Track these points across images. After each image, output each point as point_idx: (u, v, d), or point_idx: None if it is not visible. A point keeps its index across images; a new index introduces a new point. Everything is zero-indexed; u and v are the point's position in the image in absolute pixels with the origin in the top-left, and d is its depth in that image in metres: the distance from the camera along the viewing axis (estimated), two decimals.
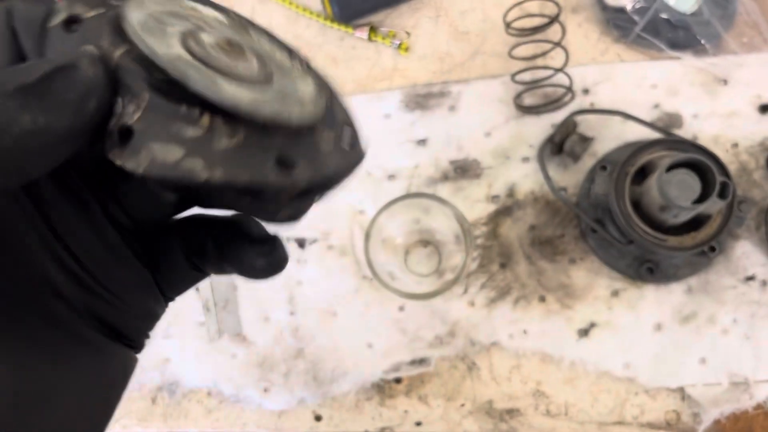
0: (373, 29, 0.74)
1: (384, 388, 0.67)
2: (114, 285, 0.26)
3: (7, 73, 0.19)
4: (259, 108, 0.22)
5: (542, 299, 0.66)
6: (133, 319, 0.27)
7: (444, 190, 0.69)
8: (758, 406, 0.62)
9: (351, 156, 0.26)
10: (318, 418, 0.67)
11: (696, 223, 0.62)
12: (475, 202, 0.69)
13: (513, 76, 0.69)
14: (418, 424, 0.66)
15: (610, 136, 0.68)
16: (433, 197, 0.67)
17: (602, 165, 0.67)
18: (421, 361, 0.66)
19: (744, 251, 0.65)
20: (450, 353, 0.66)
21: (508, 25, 0.69)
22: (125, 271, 0.27)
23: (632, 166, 0.64)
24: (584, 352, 0.65)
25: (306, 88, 0.26)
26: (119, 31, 0.21)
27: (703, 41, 0.69)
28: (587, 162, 0.68)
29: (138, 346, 0.28)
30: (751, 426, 0.62)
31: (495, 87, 0.71)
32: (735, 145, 0.67)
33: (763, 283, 0.64)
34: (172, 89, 0.21)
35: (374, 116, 0.72)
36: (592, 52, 0.71)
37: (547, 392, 0.64)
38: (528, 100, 0.70)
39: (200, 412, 0.69)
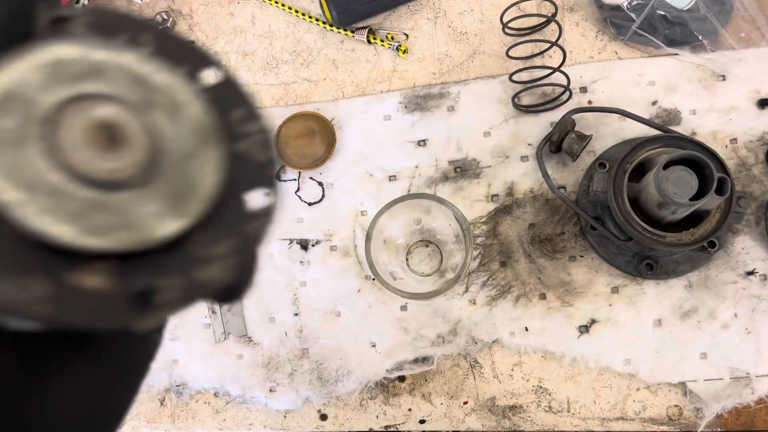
0: (372, 32, 0.75)
1: (388, 387, 0.68)
2: None
3: None
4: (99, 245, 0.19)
5: (543, 297, 0.67)
6: None
7: (444, 190, 0.70)
8: (760, 401, 0.62)
9: (253, 228, 0.23)
10: (323, 417, 0.68)
11: (695, 219, 0.63)
12: (474, 202, 0.69)
13: (511, 75, 0.70)
14: (422, 421, 0.66)
15: (608, 134, 0.69)
16: (433, 197, 0.68)
17: (600, 162, 0.67)
18: (424, 360, 0.67)
19: (744, 246, 0.65)
20: (452, 351, 0.67)
21: (505, 25, 0.69)
22: None
23: (630, 164, 0.64)
24: (585, 348, 0.65)
25: (205, 171, 0.22)
26: None
27: (700, 37, 0.69)
28: (586, 160, 0.69)
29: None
30: (753, 420, 0.62)
31: (493, 87, 0.72)
32: (734, 140, 0.68)
33: (764, 277, 0.64)
34: None
35: (374, 118, 0.73)
36: (590, 51, 0.71)
37: (549, 389, 0.65)
38: (526, 99, 0.71)
39: (208, 412, 0.70)
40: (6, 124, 0.19)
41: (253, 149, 0.25)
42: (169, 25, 0.82)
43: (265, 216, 0.24)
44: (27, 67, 0.20)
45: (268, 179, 0.25)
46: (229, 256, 0.22)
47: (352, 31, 0.76)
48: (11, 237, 0.19)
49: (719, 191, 0.58)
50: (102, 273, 0.20)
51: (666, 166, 0.60)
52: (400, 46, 0.74)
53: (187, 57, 0.25)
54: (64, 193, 0.19)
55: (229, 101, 0.25)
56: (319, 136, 0.72)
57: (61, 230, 0.19)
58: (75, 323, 0.19)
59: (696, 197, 0.60)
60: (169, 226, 0.21)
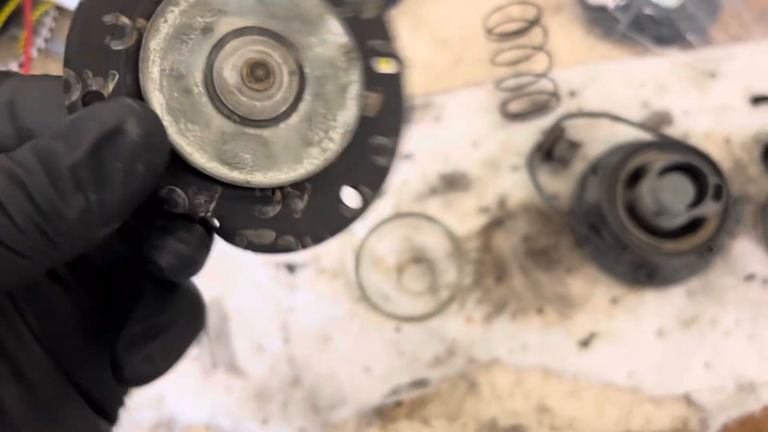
0: None
1: (385, 413, 0.65)
2: (85, 362, 0.25)
3: (57, 146, 0.19)
4: (309, 170, 0.24)
5: (540, 311, 0.65)
6: (106, 387, 0.26)
7: (433, 205, 0.68)
8: (765, 408, 0.61)
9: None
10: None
11: (692, 225, 0.61)
12: (465, 215, 0.67)
13: (497, 83, 0.68)
14: None
15: (599, 139, 0.67)
16: (421, 216, 0.65)
17: (593, 170, 0.66)
18: (421, 383, 0.65)
19: (742, 250, 0.63)
20: (450, 372, 0.65)
21: (489, 32, 0.67)
22: (94, 349, 0.26)
23: (623, 171, 0.62)
24: (586, 363, 0.63)
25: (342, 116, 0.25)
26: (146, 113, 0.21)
27: (688, 35, 0.67)
28: (578, 167, 0.67)
29: (113, 418, 0.27)
30: (759, 428, 0.61)
31: (479, 95, 0.69)
32: (727, 140, 0.66)
33: (764, 281, 0.63)
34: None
35: None
36: (577, 54, 0.69)
37: (551, 407, 0.63)
38: (514, 107, 0.69)
39: None
40: (198, 23, 0.23)
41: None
42: None
43: (390, 151, 0.26)
44: (160, 72, 0.23)
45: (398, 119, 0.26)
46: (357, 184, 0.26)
47: None
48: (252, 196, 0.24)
49: (716, 197, 0.57)
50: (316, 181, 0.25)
51: (661, 174, 0.58)
52: None
53: None
54: (243, 132, 0.24)
55: None
56: None
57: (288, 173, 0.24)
58: (325, 238, 0.25)
59: (693, 204, 0.58)
60: (334, 143, 0.25)
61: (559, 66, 0.67)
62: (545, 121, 0.67)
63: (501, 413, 0.64)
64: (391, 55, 0.26)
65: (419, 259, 0.68)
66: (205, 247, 0.24)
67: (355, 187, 0.25)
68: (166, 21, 0.23)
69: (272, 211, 0.24)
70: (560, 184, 0.67)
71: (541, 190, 0.65)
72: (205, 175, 0.23)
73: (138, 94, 0.22)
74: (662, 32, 0.67)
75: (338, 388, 0.66)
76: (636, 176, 0.62)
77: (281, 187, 0.24)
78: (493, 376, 0.64)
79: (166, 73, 0.22)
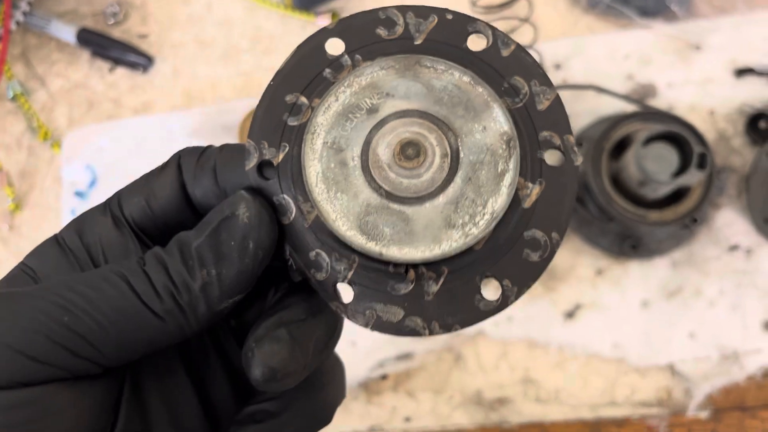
0: (335, 15, 0.72)
1: (370, 386, 0.65)
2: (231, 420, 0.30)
3: (191, 235, 0.25)
4: (448, 250, 0.24)
5: None
6: None
7: None
8: (749, 377, 0.61)
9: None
10: None
11: (676, 195, 0.61)
12: None
13: None
14: (408, 419, 0.64)
15: (584, 112, 0.67)
16: None
17: (578, 141, 0.65)
18: (407, 356, 0.65)
19: (726, 221, 0.64)
20: (435, 346, 0.65)
21: (474, 3, 0.66)
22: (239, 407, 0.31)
23: (608, 142, 0.62)
24: (571, 334, 0.63)
25: (495, 200, 0.24)
26: (306, 189, 0.24)
27: (672, 6, 0.67)
28: None
29: None
30: (743, 398, 0.61)
31: None
32: (712, 112, 0.66)
33: (747, 251, 0.63)
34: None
35: None
36: (562, 26, 0.69)
37: (536, 378, 0.63)
38: None
39: None
40: (365, 104, 0.25)
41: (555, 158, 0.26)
42: (121, 17, 0.78)
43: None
44: (320, 151, 0.24)
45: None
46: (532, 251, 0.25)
47: (315, 15, 0.72)
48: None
49: (700, 166, 0.57)
50: (453, 266, 0.25)
51: (645, 143, 0.58)
52: None
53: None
54: (387, 208, 0.24)
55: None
56: None
57: (429, 251, 0.24)
58: (454, 327, 0.25)
59: (677, 173, 0.58)
60: (477, 228, 0.24)
61: (544, 38, 0.67)
62: None
63: (486, 385, 0.64)
64: (558, 148, 0.25)
65: None
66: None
67: (497, 279, 0.25)
68: (337, 100, 0.25)
69: (404, 289, 0.24)
70: None
71: None
72: (345, 244, 0.24)
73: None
74: (647, 4, 0.67)
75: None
76: (621, 147, 0.62)
77: (416, 267, 0.24)
78: (479, 348, 0.64)
79: (327, 146, 0.24)
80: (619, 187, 0.61)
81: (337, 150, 0.24)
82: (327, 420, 0.31)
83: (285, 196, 0.25)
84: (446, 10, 0.26)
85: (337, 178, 0.24)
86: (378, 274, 0.24)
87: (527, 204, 0.25)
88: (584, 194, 0.63)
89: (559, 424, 0.63)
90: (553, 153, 0.25)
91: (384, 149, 0.24)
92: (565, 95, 0.66)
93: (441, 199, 0.24)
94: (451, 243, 0.24)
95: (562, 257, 0.65)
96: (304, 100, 0.25)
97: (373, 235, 0.24)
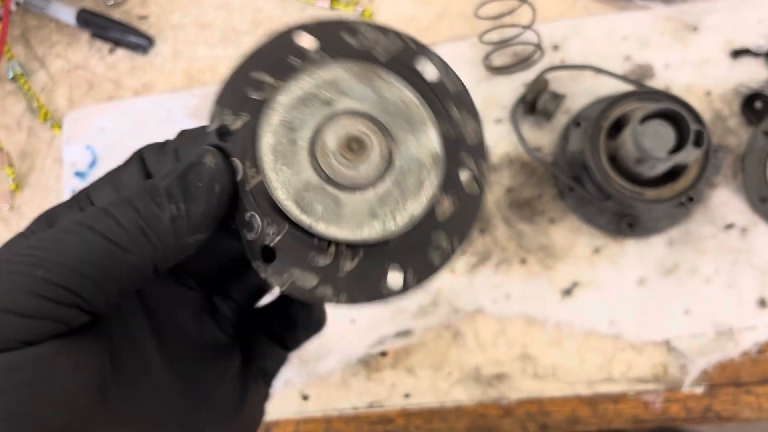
0: (335, 0, 0.72)
1: (370, 363, 0.66)
2: (206, 377, 0.32)
3: (158, 178, 0.27)
4: (370, 236, 0.26)
5: (523, 261, 0.65)
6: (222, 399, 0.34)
7: None
8: (744, 353, 0.62)
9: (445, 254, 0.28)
10: (305, 398, 0.66)
11: (673, 174, 0.62)
12: None
13: (481, 36, 0.68)
14: (407, 395, 0.65)
15: (582, 92, 0.67)
16: None
17: (576, 122, 0.66)
18: (406, 333, 0.65)
19: (722, 200, 0.64)
20: (434, 323, 0.65)
21: None
22: (220, 361, 0.34)
23: (606, 121, 0.63)
24: (569, 312, 0.64)
25: (424, 191, 0.27)
26: (256, 156, 0.27)
27: None
28: (561, 120, 0.67)
29: None
30: (737, 374, 0.62)
31: (463, 49, 0.69)
32: (708, 93, 0.67)
33: (743, 230, 0.64)
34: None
35: None
36: (560, 7, 0.69)
37: (534, 355, 0.64)
38: (497, 60, 0.69)
39: None
40: (323, 96, 0.27)
41: (467, 180, 0.29)
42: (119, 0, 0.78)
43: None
44: (276, 125, 0.27)
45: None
46: (443, 241, 0.28)
47: None
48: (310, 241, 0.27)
49: (696, 143, 0.57)
50: (369, 250, 0.28)
51: (642, 121, 0.58)
52: (364, 10, 0.71)
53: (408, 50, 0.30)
54: (324, 189, 0.27)
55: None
56: None
57: (338, 228, 0.26)
58: (358, 301, 0.27)
59: (674, 151, 0.59)
60: (396, 224, 0.27)
61: (542, 19, 0.67)
62: (529, 75, 0.68)
63: (485, 362, 0.64)
64: (475, 178, 0.29)
65: None
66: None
67: (402, 270, 0.28)
68: (299, 85, 0.27)
69: (323, 261, 0.27)
70: (543, 137, 0.67)
71: (524, 143, 0.65)
72: (280, 211, 0.26)
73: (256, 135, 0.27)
74: None
75: (324, 339, 0.66)
76: (618, 126, 0.63)
77: (337, 245, 0.27)
78: (477, 325, 0.65)
79: (283, 123, 0.27)
80: (617, 166, 0.62)
81: (290, 129, 0.27)
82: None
83: (235, 159, 0.27)
84: (414, 40, 0.30)
85: (285, 153, 0.27)
86: (302, 245, 0.27)
87: (440, 215, 0.28)
88: (582, 173, 0.64)
89: (556, 400, 0.63)
90: (469, 178, 0.29)
91: (332, 139, 0.27)
92: (563, 76, 0.67)
93: (371, 193, 0.27)
94: (371, 231, 0.27)
95: (561, 236, 0.65)
96: (269, 79, 0.28)
97: (306, 209, 0.26)
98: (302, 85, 0.27)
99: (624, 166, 0.62)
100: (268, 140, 0.26)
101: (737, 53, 0.67)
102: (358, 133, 0.27)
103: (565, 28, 0.68)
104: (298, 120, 0.27)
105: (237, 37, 0.74)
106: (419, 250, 0.28)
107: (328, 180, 0.27)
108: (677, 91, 0.66)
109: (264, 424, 0.66)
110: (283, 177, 0.26)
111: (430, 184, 0.27)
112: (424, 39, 0.73)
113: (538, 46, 0.67)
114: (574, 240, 0.65)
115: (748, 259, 0.63)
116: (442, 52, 0.72)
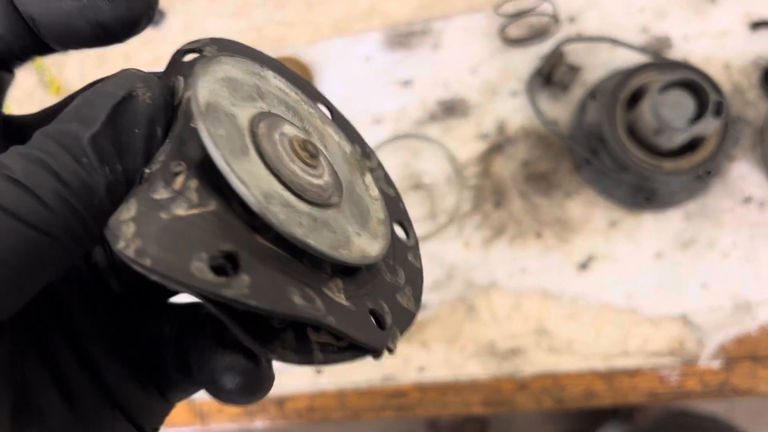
0: None
1: None
2: (124, 377, 0.23)
3: (71, 126, 0.18)
4: (270, 206, 0.19)
5: (539, 235, 0.65)
6: (144, 403, 0.24)
7: (432, 131, 0.67)
8: (761, 327, 0.61)
9: (405, 317, 0.23)
10: (319, 371, 0.66)
11: (691, 145, 0.61)
12: (465, 142, 0.67)
13: (496, 8, 0.67)
14: (421, 369, 0.65)
15: (599, 64, 0.66)
16: (421, 137, 0.65)
17: (593, 94, 0.65)
18: (420, 307, 0.65)
19: (740, 173, 0.64)
20: (448, 297, 0.65)
21: None
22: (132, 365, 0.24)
23: (623, 92, 0.62)
24: (584, 285, 0.64)
25: (369, 248, 0.22)
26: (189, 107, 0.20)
27: None
28: (577, 92, 0.66)
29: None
30: (755, 348, 0.61)
31: (478, 21, 0.68)
32: (727, 65, 0.66)
33: (761, 203, 0.63)
34: (182, 135, 0.19)
35: (354, 59, 0.69)
36: None
37: (549, 329, 0.64)
38: (513, 32, 0.68)
39: None
40: (220, 131, 0.19)
41: (382, 185, 0.25)
42: None
43: (416, 249, 0.25)
44: (213, 81, 0.20)
45: (404, 213, 0.26)
46: (406, 286, 0.23)
47: None
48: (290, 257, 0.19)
49: (716, 114, 0.56)
50: (340, 290, 0.20)
51: (662, 91, 0.58)
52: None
53: (307, 91, 0.25)
54: (293, 206, 0.20)
55: (349, 136, 0.26)
56: None
57: (314, 242, 0.19)
58: (349, 335, 0.19)
59: (693, 120, 0.58)
60: (373, 246, 0.22)
61: None
62: (545, 47, 0.67)
63: (499, 336, 0.64)
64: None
65: (418, 185, 0.67)
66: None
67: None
68: (222, 67, 0.21)
69: (159, 193, 0.18)
70: (560, 110, 0.67)
71: (540, 115, 0.65)
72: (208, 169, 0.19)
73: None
74: None
75: None
76: (635, 98, 0.62)
77: (189, 176, 0.19)
78: (492, 299, 0.64)
79: (224, 83, 0.21)
80: (634, 138, 0.61)
81: (230, 92, 0.21)
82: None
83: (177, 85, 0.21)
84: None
85: (216, 113, 0.20)
86: (159, 170, 0.19)
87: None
88: (599, 146, 0.63)
89: (571, 374, 0.63)
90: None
91: (280, 135, 0.21)
92: (579, 48, 0.66)
93: (331, 211, 0.22)
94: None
95: (577, 209, 0.65)
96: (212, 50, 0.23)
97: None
98: (227, 69, 0.21)
99: (641, 138, 0.61)
100: (203, 95, 0.20)
101: (756, 25, 0.66)
102: (305, 136, 0.21)
103: (581, 0, 0.67)
104: (231, 98, 0.21)
105: (249, 9, 0.74)
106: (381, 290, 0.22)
107: (269, 167, 0.20)
108: (695, 63, 0.65)
109: (278, 397, 0.66)
110: (208, 131, 0.19)
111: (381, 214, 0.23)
112: (439, 10, 0.72)
113: (555, 18, 0.66)
114: (590, 213, 0.65)
115: (766, 232, 0.62)
116: (456, 23, 0.71)
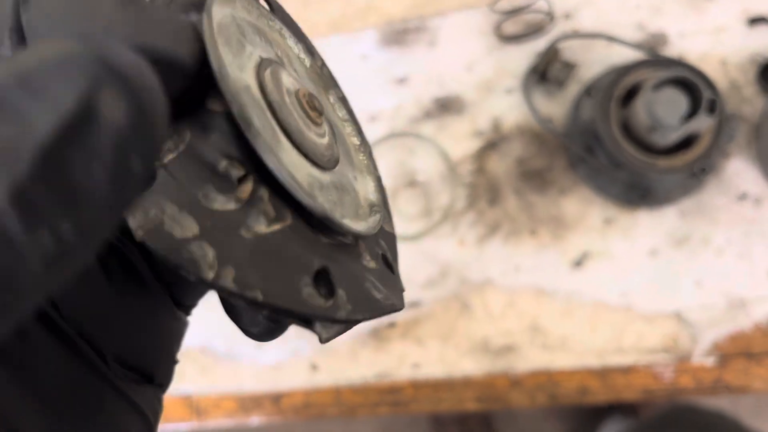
0: None
1: (379, 334, 0.66)
2: (130, 312, 0.21)
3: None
4: (318, 198, 0.17)
5: (533, 233, 0.65)
6: (154, 354, 0.22)
7: (427, 129, 0.67)
8: (755, 325, 0.61)
9: (394, 295, 0.21)
10: (314, 368, 0.67)
11: (686, 143, 0.61)
12: (459, 139, 0.67)
13: (492, 5, 0.67)
14: (416, 366, 0.65)
15: (594, 61, 0.66)
16: (416, 136, 0.65)
17: (588, 91, 0.65)
18: (414, 304, 0.65)
19: (735, 169, 0.63)
20: (443, 294, 0.65)
21: None
22: (142, 294, 0.21)
23: (618, 89, 0.62)
24: (579, 283, 0.64)
25: (367, 189, 0.21)
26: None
27: None
28: (573, 89, 0.66)
29: (165, 383, 0.24)
30: (748, 345, 0.61)
31: (474, 18, 0.68)
32: (723, 61, 0.65)
33: (756, 200, 0.63)
34: (221, 127, 0.16)
35: (351, 57, 0.69)
36: None
37: (543, 326, 0.64)
38: (509, 29, 0.68)
39: (195, 370, 0.68)
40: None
41: (335, 90, 0.24)
42: None
43: (367, 147, 0.24)
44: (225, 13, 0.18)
45: (351, 114, 0.25)
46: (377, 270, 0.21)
47: None
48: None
49: (710, 111, 0.56)
50: (365, 251, 0.20)
51: (655, 88, 0.58)
52: None
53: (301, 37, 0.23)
54: (323, 184, 0.18)
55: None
56: None
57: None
58: (249, 294, 0.16)
59: (687, 118, 0.58)
60: (368, 187, 0.21)
61: None
62: (540, 44, 0.67)
63: (494, 333, 0.64)
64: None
65: (413, 182, 0.68)
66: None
67: (329, 279, 0.18)
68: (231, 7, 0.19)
69: (221, 203, 0.16)
70: (555, 107, 0.66)
71: (535, 112, 0.65)
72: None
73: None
74: None
75: None
76: (630, 95, 0.62)
77: (258, 182, 0.16)
78: (486, 297, 0.65)
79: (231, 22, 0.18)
80: (629, 135, 0.61)
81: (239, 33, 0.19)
82: None
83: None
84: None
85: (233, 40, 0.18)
86: (202, 170, 0.16)
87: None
88: (594, 143, 0.63)
89: (565, 371, 0.63)
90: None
91: (288, 83, 0.19)
92: (575, 45, 0.66)
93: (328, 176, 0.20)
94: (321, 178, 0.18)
95: (572, 207, 0.65)
96: None
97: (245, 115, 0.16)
98: (237, 12, 0.19)
99: (636, 136, 0.61)
100: (219, 13, 0.17)
101: (754, 21, 0.66)
102: (312, 90, 0.19)
103: None
104: (251, 35, 0.19)
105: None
106: (359, 272, 0.19)
107: (274, 113, 0.18)
108: (692, 59, 0.65)
109: (274, 393, 0.67)
110: (224, 56, 0.16)
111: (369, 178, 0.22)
112: (434, 7, 0.72)
113: (550, 15, 0.66)
114: (585, 211, 0.65)
115: (761, 229, 0.62)
116: (452, 21, 0.71)
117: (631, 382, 0.63)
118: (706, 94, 0.56)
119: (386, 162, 0.67)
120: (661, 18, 0.66)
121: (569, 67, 0.65)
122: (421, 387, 0.65)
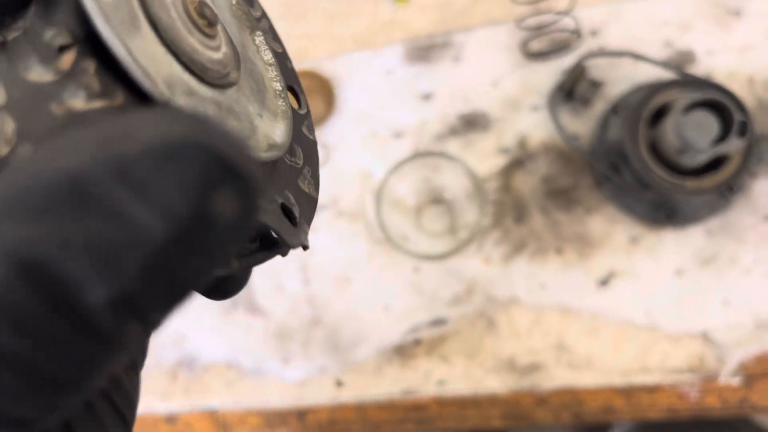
0: None
1: (404, 350, 0.66)
2: None
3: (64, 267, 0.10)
4: (176, 96, 0.15)
5: (559, 251, 0.65)
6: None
7: (453, 146, 0.67)
8: None
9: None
10: (340, 384, 0.67)
11: (714, 164, 0.61)
12: (485, 156, 0.67)
13: (518, 22, 0.66)
14: (441, 383, 0.65)
15: (621, 79, 0.66)
16: (441, 155, 0.65)
17: (614, 109, 0.65)
18: (440, 321, 0.66)
19: (763, 189, 0.63)
20: (468, 311, 0.65)
21: None
22: None
23: (646, 109, 0.61)
24: (604, 302, 0.64)
25: (274, 130, 0.20)
26: None
27: None
28: (599, 107, 0.66)
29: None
30: None
31: (499, 34, 0.68)
32: (751, 79, 0.65)
33: None
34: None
35: (376, 73, 0.69)
36: None
37: (569, 345, 0.64)
38: (534, 46, 0.68)
39: (221, 385, 0.69)
40: None
41: (269, 40, 0.23)
42: None
43: (309, 117, 0.23)
44: None
45: (293, 73, 0.23)
46: (305, 167, 0.21)
47: None
48: None
49: (741, 134, 0.56)
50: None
51: (685, 111, 0.57)
52: None
53: None
54: (196, 92, 0.16)
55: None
56: (316, 96, 0.69)
57: None
58: (285, 239, 0.17)
59: (717, 141, 0.58)
60: (277, 129, 0.19)
61: (581, 4, 0.66)
62: (566, 61, 0.67)
63: (519, 351, 0.64)
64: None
65: (438, 199, 0.68)
66: None
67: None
68: None
69: (38, 74, 0.14)
70: (581, 125, 0.66)
71: (561, 130, 0.64)
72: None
73: None
74: None
75: (358, 326, 0.67)
76: (658, 115, 0.62)
77: (84, 53, 0.14)
78: (512, 315, 0.65)
79: None
80: (657, 156, 0.61)
81: None
82: None
83: None
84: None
85: None
86: (33, 41, 0.14)
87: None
88: (620, 162, 0.63)
89: (590, 390, 0.63)
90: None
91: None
92: (601, 62, 0.66)
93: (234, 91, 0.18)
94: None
95: (597, 225, 0.65)
96: None
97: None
98: None
99: (664, 156, 0.61)
100: None
101: None
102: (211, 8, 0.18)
103: (603, 14, 0.67)
104: None
105: None
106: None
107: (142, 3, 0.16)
108: (719, 77, 0.65)
109: (299, 410, 0.68)
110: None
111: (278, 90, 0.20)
112: (459, 22, 0.72)
113: (577, 32, 0.66)
114: (610, 229, 0.65)
115: None
116: (477, 36, 0.71)
117: (656, 401, 0.63)
118: (737, 117, 0.56)
119: (411, 179, 0.67)
120: (688, 35, 0.66)
121: (596, 85, 0.65)
122: (446, 404, 0.65)
